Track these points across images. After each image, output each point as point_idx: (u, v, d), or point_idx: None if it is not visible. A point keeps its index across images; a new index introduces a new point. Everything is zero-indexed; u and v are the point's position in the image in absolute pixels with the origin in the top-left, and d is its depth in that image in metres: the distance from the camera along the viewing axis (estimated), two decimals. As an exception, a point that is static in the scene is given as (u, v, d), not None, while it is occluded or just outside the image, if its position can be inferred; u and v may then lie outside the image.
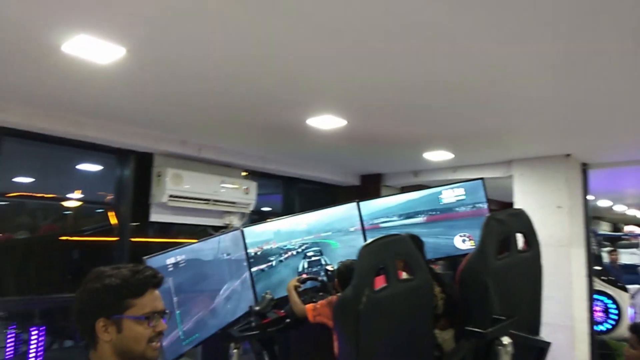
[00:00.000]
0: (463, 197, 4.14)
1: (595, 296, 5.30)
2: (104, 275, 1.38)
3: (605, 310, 5.31)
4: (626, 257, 9.57)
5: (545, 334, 4.28)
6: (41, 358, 4.14)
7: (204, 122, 3.60)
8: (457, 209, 4.17)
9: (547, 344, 2.95)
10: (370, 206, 4.38)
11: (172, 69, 2.54)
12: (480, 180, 4.10)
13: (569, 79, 2.67)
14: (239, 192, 4.55)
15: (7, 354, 5.43)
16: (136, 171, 4.16)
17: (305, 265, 4.15)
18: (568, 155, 4.45)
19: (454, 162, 4.91)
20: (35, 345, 4.16)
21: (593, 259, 5.40)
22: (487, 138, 4.03)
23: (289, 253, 4.16)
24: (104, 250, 4.30)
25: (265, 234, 4.10)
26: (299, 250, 4.25)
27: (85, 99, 3.07)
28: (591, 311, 4.55)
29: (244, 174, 4.94)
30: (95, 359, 1.36)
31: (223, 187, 4.41)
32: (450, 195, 4.21)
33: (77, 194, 5.05)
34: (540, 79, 2.67)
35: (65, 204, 4.95)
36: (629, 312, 5.45)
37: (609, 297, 5.32)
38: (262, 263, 4.02)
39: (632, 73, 2.56)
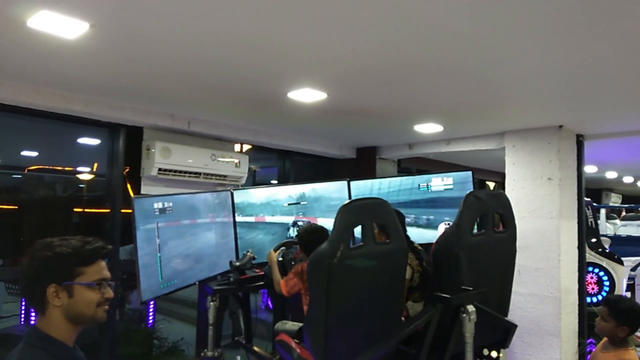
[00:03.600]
0: (451, 186, 4.27)
1: (590, 268, 5.29)
2: (54, 244, 1.45)
3: (599, 282, 5.30)
4: (632, 229, 9.49)
5: (532, 305, 4.36)
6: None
7: (188, 95, 3.61)
8: (444, 197, 4.28)
9: (514, 326, 3.02)
10: (360, 185, 4.52)
11: (142, 43, 2.54)
12: (470, 172, 4.26)
13: (555, 48, 2.54)
14: (230, 165, 4.60)
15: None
16: (127, 145, 4.24)
17: (294, 234, 4.27)
18: (560, 126, 4.38)
19: (445, 134, 4.86)
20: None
21: (589, 231, 5.38)
22: (475, 110, 3.96)
23: (277, 219, 4.32)
24: (101, 220, 4.42)
25: (255, 199, 4.31)
26: (288, 220, 4.41)
27: (62, 74, 3.11)
28: (582, 283, 4.55)
29: (239, 150, 4.99)
30: (44, 323, 1.44)
31: (213, 160, 4.46)
32: (439, 183, 4.35)
33: (86, 168, 5.21)
34: (524, 48, 2.55)
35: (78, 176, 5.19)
36: (624, 284, 5.43)
37: (602, 268, 5.30)
38: (247, 227, 4.22)
39: (621, 41, 2.44)
